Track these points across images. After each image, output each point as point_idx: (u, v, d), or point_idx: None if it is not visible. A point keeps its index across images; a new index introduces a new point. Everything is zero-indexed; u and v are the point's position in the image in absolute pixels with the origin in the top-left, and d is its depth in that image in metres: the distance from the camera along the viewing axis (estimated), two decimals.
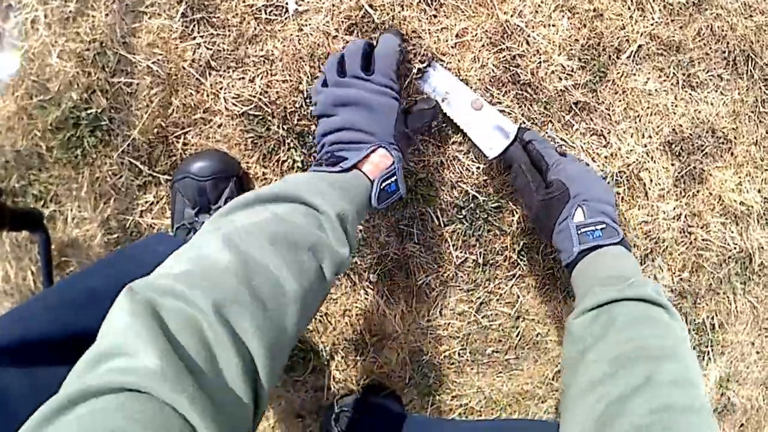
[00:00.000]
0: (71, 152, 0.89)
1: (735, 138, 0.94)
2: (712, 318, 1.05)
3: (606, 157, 0.90)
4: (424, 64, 0.83)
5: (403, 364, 1.02)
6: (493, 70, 0.85)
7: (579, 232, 0.71)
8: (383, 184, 0.68)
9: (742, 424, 1.15)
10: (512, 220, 0.92)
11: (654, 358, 0.52)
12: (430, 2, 0.82)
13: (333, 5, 0.81)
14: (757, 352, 1.10)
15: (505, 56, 0.84)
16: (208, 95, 0.85)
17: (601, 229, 0.71)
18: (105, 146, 0.89)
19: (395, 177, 0.70)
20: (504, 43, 0.84)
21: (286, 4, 0.81)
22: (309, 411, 1.08)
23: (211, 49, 0.83)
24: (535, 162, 0.80)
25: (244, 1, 0.81)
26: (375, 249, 0.93)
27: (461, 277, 0.96)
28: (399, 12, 0.81)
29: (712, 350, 1.07)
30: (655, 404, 0.47)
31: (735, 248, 1.00)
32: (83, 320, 0.50)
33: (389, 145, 0.70)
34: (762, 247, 1.01)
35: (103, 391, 0.36)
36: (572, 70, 0.86)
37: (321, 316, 0.98)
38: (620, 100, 0.89)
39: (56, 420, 0.35)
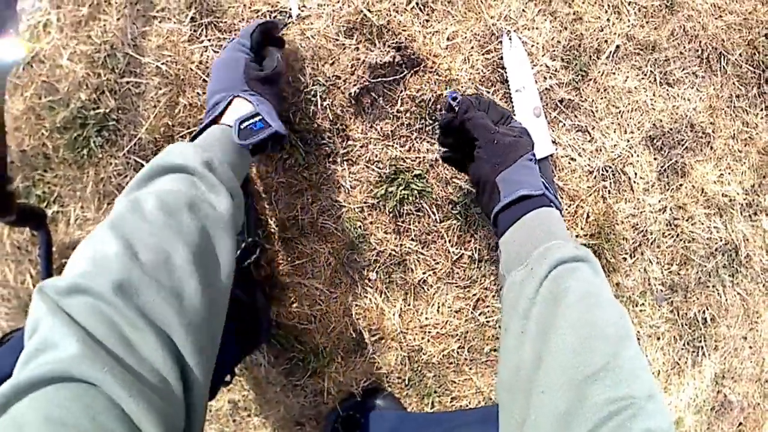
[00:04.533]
0: (77, 152, 0.95)
1: (713, 132, 1.04)
2: (704, 312, 1.11)
3: (591, 152, 0.99)
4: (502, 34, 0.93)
5: (402, 364, 1.07)
6: (482, 71, 0.94)
7: (541, 179, 0.74)
8: (243, 124, 0.72)
9: (740, 423, 1.19)
10: None
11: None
12: (422, 8, 0.92)
13: (333, 10, 0.90)
14: (750, 347, 1.16)
15: (493, 57, 0.94)
16: None
17: (554, 193, 0.76)
18: (111, 146, 0.95)
19: (259, 116, 0.73)
20: (491, 45, 0.94)
21: (290, 9, 0.90)
22: (308, 417, 1.11)
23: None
24: (493, 114, 0.79)
25: (250, 7, 0.90)
26: (373, 246, 0.99)
27: (457, 273, 1.02)
28: (395, 16, 0.91)
29: (705, 345, 1.13)
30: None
31: (721, 240, 1.08)
32: None
33: (243, 92, 0.75)
34: (747, 239, 1.09)
35: (34, 384, 0.41)
36: (556, 70, 0.96)
37: (321, 316, 1.03)
38: (602, 98, 0.98)
39: None
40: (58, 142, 0.96)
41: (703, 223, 1.06)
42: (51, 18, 0.93)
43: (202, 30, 0.91)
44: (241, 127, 0.72)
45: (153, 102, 0.93)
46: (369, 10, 0.90)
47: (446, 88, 0.93)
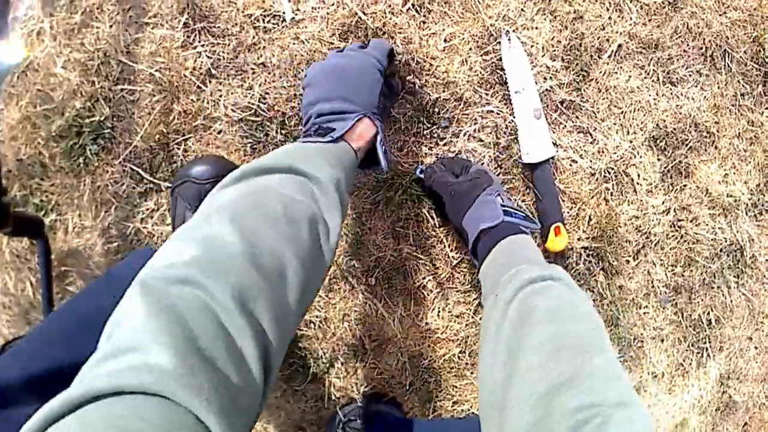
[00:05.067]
0: (73, 160, 0.95)
1: (718, 131, 1.02)
2: (708, 313, 1.10)
3: (593, 154, 0.98)
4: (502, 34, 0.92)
5: (402, 369, 1.06)
6: (480, 72, 0.93)
7: (503, 208, 0.78)
8: (381, 149, 0.74)
9: (745, 423, 1.19)
10: None
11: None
12: (419, 9, 0.90)
13: (328, 13, 0.89)
14: (755, 347, 1.15)
15: (491, 58, 0.93)
16: (208, 102, 0.92)
17: (524, 216, 0.80)
18: (107, 154, 0.95)
19: (383, 146, 0.75)
20: (490, 46, 0.92)
21: (283, 13, 0.89)
22: (309, 422, 1.11)
23: (211, 58, 0.90)
24: (454, 169, 0.90)
25: (243, 11, 0.89)
26: (372, 252, 0.99)
27: (457, 278, 1.02)
28: (390, 18, 0.90)
29: (710, 346, 1.12)
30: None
31: (725, 241, 1.06)
32: (73, 352, 0.51)
33: (373, 115, 0.74)
34: (752, 239, 1.07)
35: (110, 392, 0.35)
36: (556, 71, 0.94)
37: (320, 322, 1.03)
38: (604, 98, 0.97)
39: (58, 421, 0.34)
40: (54, 150, 0.96)
41: (707, 224, 1.05)
42: (44, 26, 0.92)
43: (195, 35, 0.90)
44: (383, 150, 0.75)
45: (147, 109, 0.92)
46: (364, 13, 0.89)
47: (443, 92, 0.92)
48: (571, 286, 0.62)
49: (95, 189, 0.97)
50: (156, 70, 0.91)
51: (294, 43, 0.90)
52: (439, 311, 1.03)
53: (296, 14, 0.89)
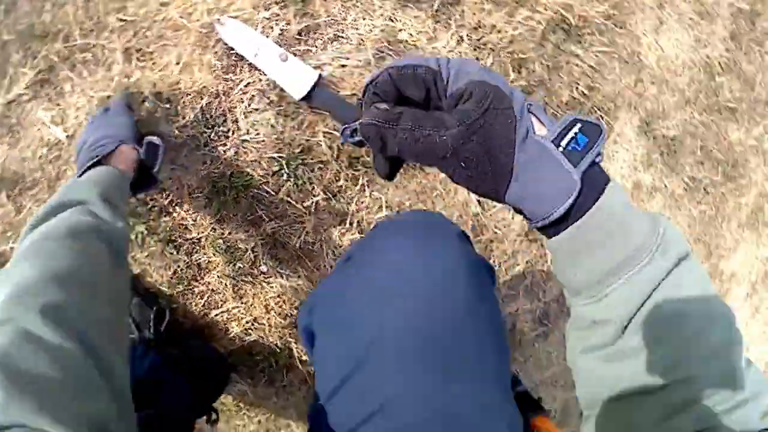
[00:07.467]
0: None
1: None
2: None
3: (351, 51, 1.03)
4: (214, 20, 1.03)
5: None
6: (220, 63, 1.05)
7: (563, 150, 0.44)
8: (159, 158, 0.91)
9: None
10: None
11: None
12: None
13: None
14: None
15: (221, 47, 1.05)
16: None
17: (580, 129, 0.45)
18: None
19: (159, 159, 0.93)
20: (212, 40, 1.05)
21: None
22: None
23: None
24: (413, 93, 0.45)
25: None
26: (246, 242, 1.12)
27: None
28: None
29: None
30: None
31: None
32: None
33: (130, 142, 0.90)
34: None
35: None
36: (276, 14, 1.04)
37: (251, 324, 1.17)
38: (333, 3, 1.05)
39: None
40: None
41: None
42: None
43: None
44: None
45: None
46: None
47: (202, 99, 1.05)
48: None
49: None
50: None
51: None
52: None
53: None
